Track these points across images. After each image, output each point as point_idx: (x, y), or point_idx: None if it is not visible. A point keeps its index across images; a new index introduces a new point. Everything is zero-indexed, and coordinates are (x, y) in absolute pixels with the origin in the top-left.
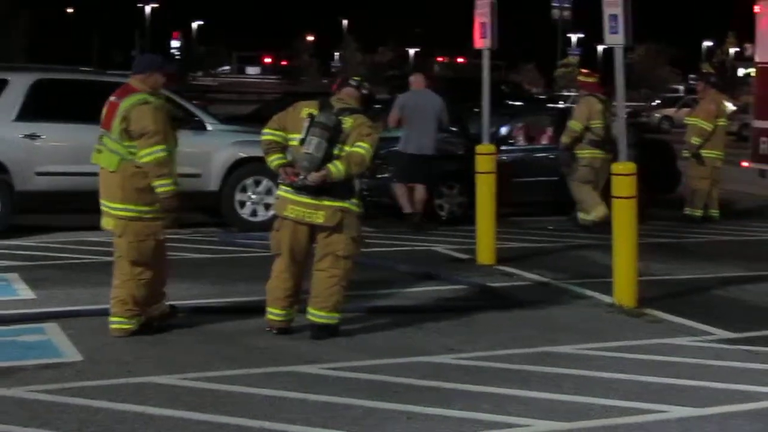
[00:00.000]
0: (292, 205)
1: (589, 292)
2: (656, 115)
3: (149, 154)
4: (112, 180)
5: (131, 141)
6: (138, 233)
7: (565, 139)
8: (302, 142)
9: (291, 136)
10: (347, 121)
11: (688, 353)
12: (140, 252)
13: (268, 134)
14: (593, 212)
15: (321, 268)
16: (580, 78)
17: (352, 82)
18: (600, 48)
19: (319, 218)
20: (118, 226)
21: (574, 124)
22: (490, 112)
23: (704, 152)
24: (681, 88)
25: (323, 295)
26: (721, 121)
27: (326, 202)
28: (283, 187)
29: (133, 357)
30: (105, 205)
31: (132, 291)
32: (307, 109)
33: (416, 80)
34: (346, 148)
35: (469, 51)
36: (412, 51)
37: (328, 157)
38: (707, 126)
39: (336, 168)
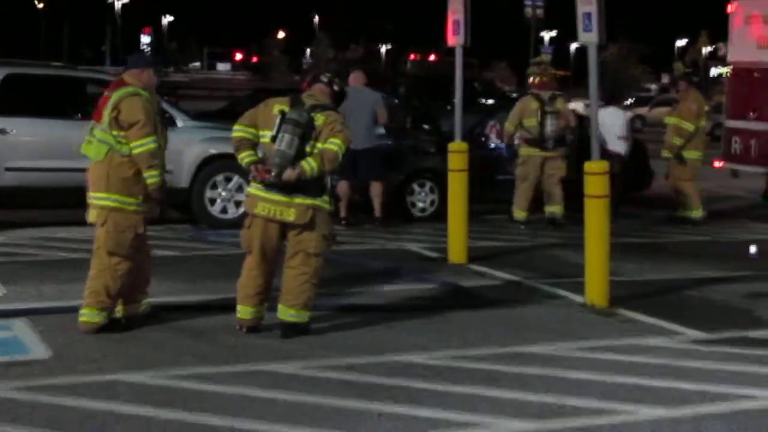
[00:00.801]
0: (263, 202)
1: (561, 292)
2: (629, 113)
3: (141, 145)
4: (99, 170)
5: (120, 130)
6: (118, 224)
7: (506, 140)
8: (274, 139)
9: (262, 132)
10: (319, 118)
11: (660, 353)
12: (118, 243)
13: (239, 131)
14: (517, 212)
15: (291, 266)
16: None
17: (324, 79)
18: (573, 46)
19: (290, 216)
20: (99, 216)
21: (506, 125)
22: (462, 110)
23: (685, 153)
24: (653, 87)
25: (293, 292)
26: (702, 122)
27: (297, 200)
28: (254, 185)
29: (102, 354)
30: (91, 196)
31: (107, 281)
32: (278, 106)
33: (355, 77)
34: (319, 145)
35: (441, 48)
36: (384, 48)
37: (300, 154)
38: (689, 126)
39: (309, 165)
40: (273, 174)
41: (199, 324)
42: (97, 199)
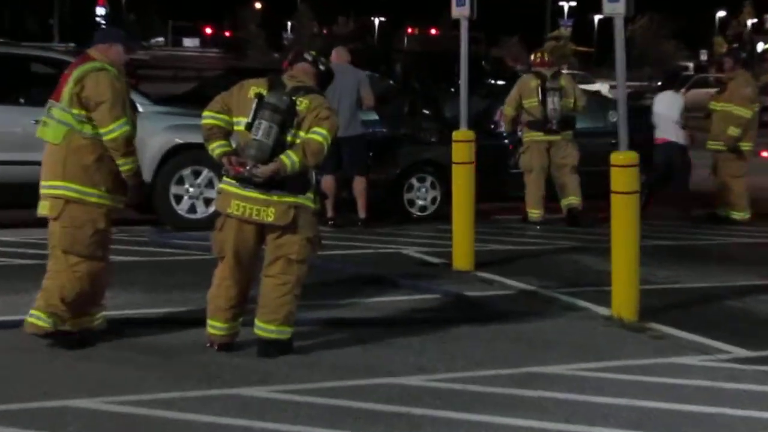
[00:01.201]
0: (238, 200)
1: (582, 303)
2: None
3: (114, 130)
4: (56, 155)
5: (81, 110)
6: (74, 218)
7: (506, 126)
8: (249, 126)
9: (236, 119)
10: (302, 103)
11: (699, 374)
12: (75, 240)
13: (209, 118)
14: (530, 211)
15: (271, 274)
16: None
17: (308, 57)
18: (596, 18)
19: (269, 216)
20: (53, 208)
21: (505, 109)
22: (468, 93)
23: (742, 144)
24: (689, 65)
25: (273, 305)
26: (756, 107)
27: (277, 198)
28: (227, 180)
29: (48, 376)
30: (43, 186)
31: (62, 283)
32: (255, 89)
33: (337, 54)
34: (301, 134)
35: (443, 21)
36: (377, 21)
37: (280, 145)
38: (744, 112)
39: (289, 159)
40: (248, 168)
41: (163, 341)
42: (50, 188)
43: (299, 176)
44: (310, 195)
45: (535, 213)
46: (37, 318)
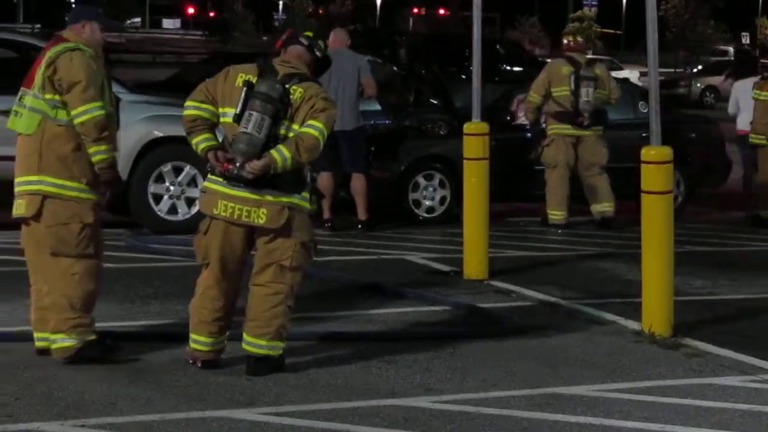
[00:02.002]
0: (225, 200)
1: (609, 316)
2: (698, 85)
3: (85, 112)
4: (29, 146)
5: (55, 94)
6: (57, 214)
7: (529, 115)
8: (238, 118)
9: (223, 110)
10: (296, 91)
11: (739, 396)
12: (61, 239)
13: (191, 108)
14: (551, 212)
15: (261, 283)
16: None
17: (303, 41)
18: None
19: (261, 218)
20: (30, 206)
21: (530, 96)
22: (481, 80)
23: None
24: (729, 50)
25: (263, 317)
26: None
27: (269, 197)
28: (213, 178)
29: (14, 398)
30: (18, 183)
31: (63, 291)
32: (243, 75)
33: (335, 37)
34: (295, 127)
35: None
36: (378, 0)
37: (273, 138)
38: None
39: (280, 154)
40: (237, 164)
41: (141, 358)
42: (26, 184)
43: (294, 173)
44: (305, 194)
45: (557, 215)
46: (60, 341)
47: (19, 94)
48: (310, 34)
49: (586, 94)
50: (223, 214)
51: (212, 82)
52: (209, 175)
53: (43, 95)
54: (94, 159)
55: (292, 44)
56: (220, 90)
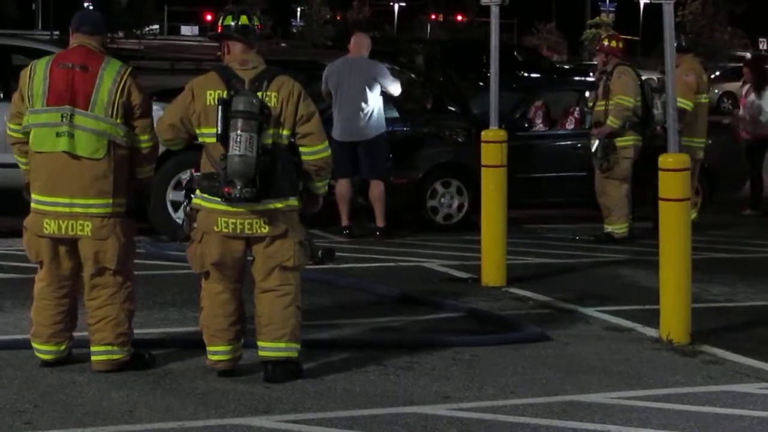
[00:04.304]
0: (225, 217)
1: (626, 323)
2: (715, 91)
3: (153, 137)
4: (97, 170)
5: (122, 118)
6: (126, 233)
7: (616, 121)
8: (222, 139)
9: (200, 131)
10: (270, 97)
11: (758, 404)
12: (129, 257)
13: (167, 144)
14: (616, 227)
15: (269, 287)
16: (605, 42)
17: (239, 29)
18: (641, 2)
19: (264, 228)
20: (103, 229)
21: (625, 100)
22: (499, 87)
23: None
24: (747, 55)
25: (278, 319)
26: None
27: (269, 206)
28: (205, 196)
29: (32, 405)
30: (77, 204)
31: (123, 306)
32: (212, 93)
33: (356, 43)
34: (285, 133)
35: (470, 6)
36: (396, 6)
37: (264, 151)
38: None
39: (316, 186)
40: (239, 187)
41: (159, 365)
42: (97, 206)
43: (286, 176)
44: (297, 195)
45: (621, 228)
46: (108, 353)
47: (63, 111)
48: (244, 15)
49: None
50: (225, 230)
51: (180, 109)
52: (199, 192)
53: (115, 120)
54: (145, 176)
55: (228, 39)
56: (192, 114)
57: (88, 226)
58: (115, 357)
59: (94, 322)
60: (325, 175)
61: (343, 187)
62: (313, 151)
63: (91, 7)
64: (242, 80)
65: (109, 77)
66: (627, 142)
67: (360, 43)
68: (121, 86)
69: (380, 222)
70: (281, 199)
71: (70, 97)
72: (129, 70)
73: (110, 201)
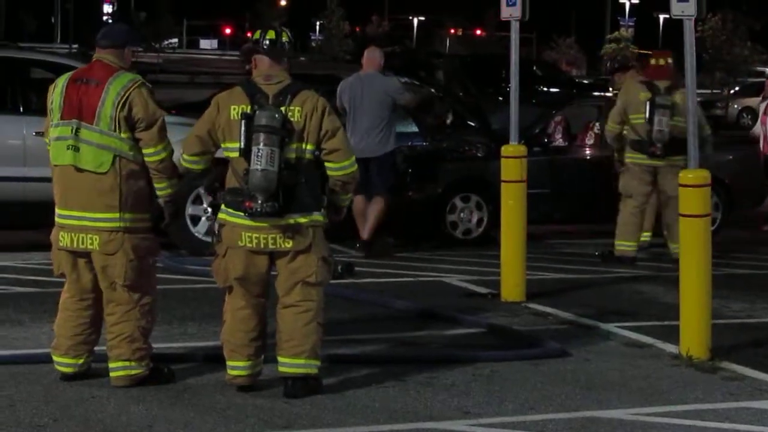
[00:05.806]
0: (249, 232)
1: (646, 339)
2: (735, 106)
3: (165, 149)
4: (103, 184)
5: (131, 132)
6: (137, 249)
7: (613, 144)
8: (244, 153)
9: (225, 145)
10: (293, 112)
11: None
12: (141, 272)
13: (189, 162)
14: (617, 243)
15: (291, 303)
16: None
17: (266, 44)
18: (661, 18)
19: (288, 243)
20: (111, 243)
21: (609, 126)
22: (519, 102)
23: None
24: (766, 71)
25: (298, 335)
26: None
27: (292, 220)
28: (230, 211)
29: (49, 418)
30: (85, 218)
31: (139, 323)
32: (235, 108)
33: (369, 58)
34: (309, 148)
35: (489, 21)
36: (415, 21)
37: (287, 166)
38: None
39: (342, 200)
40: (260, 201)
41: (178, 380)
42: (105, 221)
43: (310, 191)
44: (323, 210)
45: (623, 246)
46: (125, 369)
47: (71, 125)
48: (271, 30)
49: (659, 123)
50: (249, 245)
51: (207, 122)
52: (225, 207)
53: (117, 134)
54: (164, 193)
55: (253, 53)
56: (218, 130)
57: (96, 239)
58: (133, 372)
59: (111, 338)
60: (351, 189)
61: (359, 202)
62: (340, 167)
63: (110, 21)
64: (266, 95)
65: (114, 91)
66: (627, 159)
67: (372, 59)
68: (123, 100)
69: (365, 235)
70: (305, 213)
71: (78, 111)
72: (138, 83)
73: (117, 215)
